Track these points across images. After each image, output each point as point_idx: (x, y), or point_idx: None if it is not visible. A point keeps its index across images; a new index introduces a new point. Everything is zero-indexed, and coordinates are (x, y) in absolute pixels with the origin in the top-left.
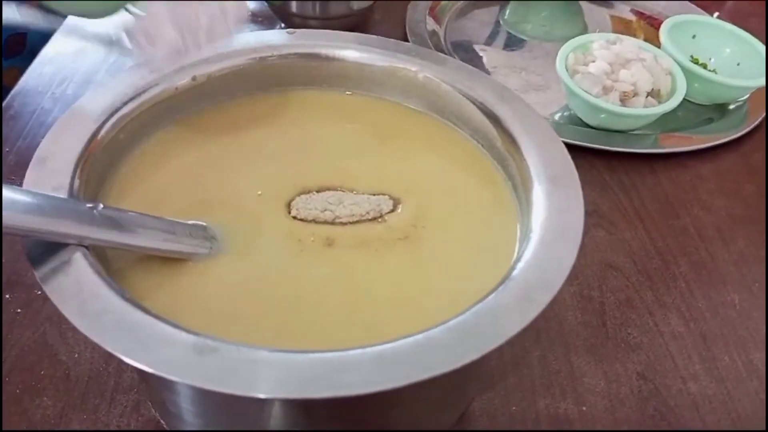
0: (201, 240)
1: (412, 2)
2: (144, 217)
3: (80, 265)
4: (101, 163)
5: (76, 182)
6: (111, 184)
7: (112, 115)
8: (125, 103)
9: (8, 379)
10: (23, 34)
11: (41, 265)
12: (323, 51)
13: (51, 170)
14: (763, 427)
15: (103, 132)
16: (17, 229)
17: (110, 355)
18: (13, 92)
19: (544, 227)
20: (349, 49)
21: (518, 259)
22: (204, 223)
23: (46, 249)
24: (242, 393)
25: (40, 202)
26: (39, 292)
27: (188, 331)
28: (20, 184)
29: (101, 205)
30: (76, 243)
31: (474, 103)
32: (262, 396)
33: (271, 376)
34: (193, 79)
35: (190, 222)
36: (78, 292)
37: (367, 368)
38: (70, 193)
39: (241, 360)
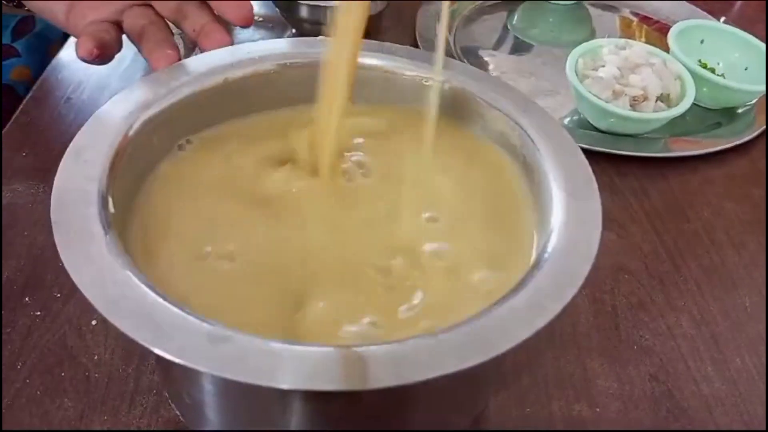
0: None
1: (421, 8)
2: None
3: (103, 252)
4: (135, 159)
5: (107, 175)
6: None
7: (143, 113)
8: (153, 105)
9: (29, 381)
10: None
11: (68, 253)
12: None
13: (84, 161)
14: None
15: (132, 131)
16: None
17: (129, 357)
18: (28, 97)
19: (561, 234)
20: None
21: (534, 266)
22: None
23: (74, 240)
24: (257, 382)
25: None
26: (59, 295)
27: (203, 320)
28: (40, 189)
29: None
30: None
31: (500, 111)
32: (285, 387)
33: (288, 366)
34: (225, 81)
35: None
36: (101, 279)
37: (384, 361)
38: (103, 184)
39: (253, 350)
